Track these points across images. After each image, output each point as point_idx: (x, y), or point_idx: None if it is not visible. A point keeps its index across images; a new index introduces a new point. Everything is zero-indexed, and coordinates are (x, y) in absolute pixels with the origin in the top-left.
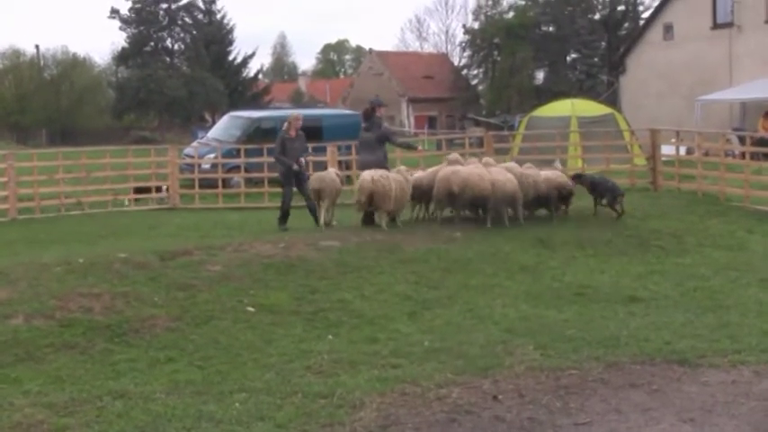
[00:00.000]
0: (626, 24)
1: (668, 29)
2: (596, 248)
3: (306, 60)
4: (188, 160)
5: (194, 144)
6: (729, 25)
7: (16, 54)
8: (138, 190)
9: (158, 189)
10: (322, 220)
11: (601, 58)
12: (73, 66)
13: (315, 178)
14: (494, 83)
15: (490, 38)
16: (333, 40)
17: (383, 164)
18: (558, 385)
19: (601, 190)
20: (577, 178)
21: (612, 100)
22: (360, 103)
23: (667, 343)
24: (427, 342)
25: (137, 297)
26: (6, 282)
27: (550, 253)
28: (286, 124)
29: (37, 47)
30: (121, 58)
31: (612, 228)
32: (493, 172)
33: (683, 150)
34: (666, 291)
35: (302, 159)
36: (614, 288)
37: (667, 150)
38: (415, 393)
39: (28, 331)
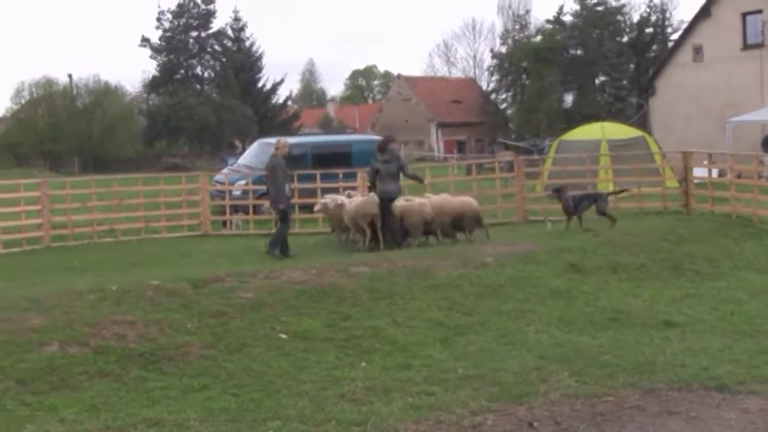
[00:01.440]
0: (654, 46)
1: (698, 50)
2: (629, 273)
3: (334, 86)
4: (219, 187)
5: (225, 171)
6: (760, 46)
7: (49, 83)
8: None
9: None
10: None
11: (630, 80)
12: (105, 94)
13: (369, 202)
14: (522, 107)
15: (518, 62)
16: (361, 66)
17: (400, 193)
18: (594, 412)
19: (588, 201)
20: (557, 192)
21: (642, 123)
22: (389, 128)
23: (705, 369)
24: (461, 369)
25: (170, 324)
26: (41, 309)
27: (583, 278)
28: (275, 150)
29: (70, 76)
30: (152, 85)
31: (645, 252)
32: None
33: (715, 172)
34: (702, 315)
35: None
36: (649, 313)
37: (699, 173)
38: (450, 421)
39: (63, 358)
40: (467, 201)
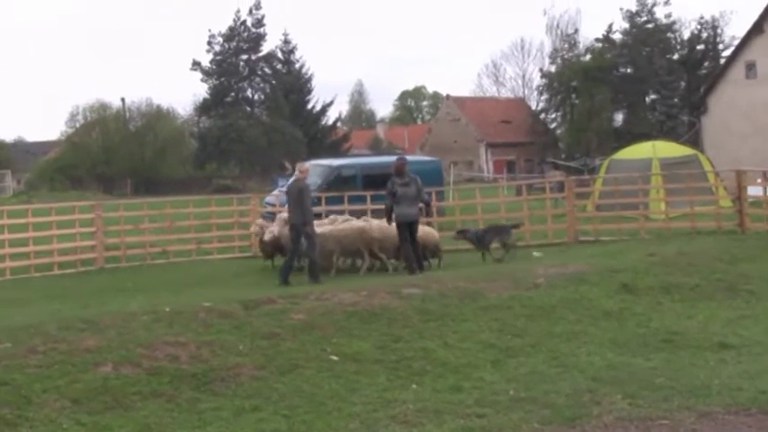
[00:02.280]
0: (706, 63)
1: (750, 67)
2: (683, 293)
3: (383, 107)
4: (269, 208)
5: (275, 192)
6: None
7: (103, 107)
8: None
9: None
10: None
11: (681, 98)
12: (157, 117)
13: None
14: (572, 126)
15: (567, 81)
16: (410, 87)
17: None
18: None
19: (491, 236)
20: (461, 234)
21: (694, 141)
22: (438, 148)
23: (762, 392)
24: (512, 391)
25: (222, 346)
26: (96, 330)
27: (635, 298)
28: (299, 174)
29: (122, 100)
30: (203, 108)
31: (699, 272)
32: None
33: None
34: (758, 337)
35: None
36: (703, 334)
37: (754, 191)
38: None
39: (116, 379)
40: (427, 231)
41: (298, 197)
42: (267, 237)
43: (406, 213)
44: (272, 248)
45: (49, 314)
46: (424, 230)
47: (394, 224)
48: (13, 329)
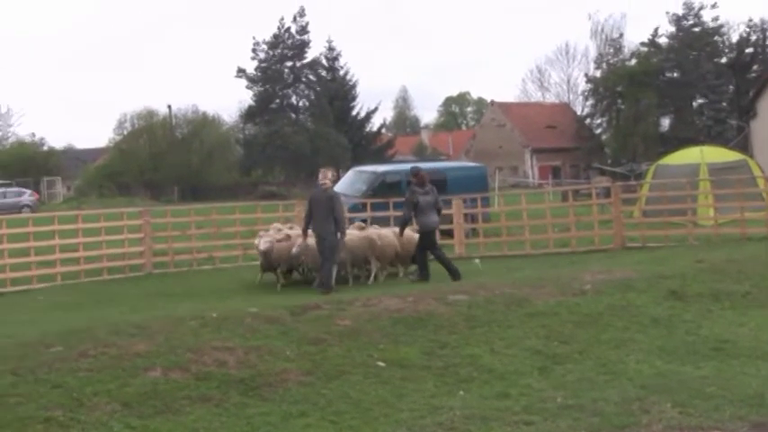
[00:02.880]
0: (755, 67)
1: None
2: (733, 301)
3: (428, 113)
4: None
5: None
6: None
7: (150, 114)
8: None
9: None
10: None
11: (729, 102)
12: (203, 124)
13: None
14: (618, 131)
15: (613, 86)
16: (454, 93)
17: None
18: None
19: None
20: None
21: (743, 146)
22: (483, 154)
23: None
24: (560, 398)
25: (269, 351)
26: (145, 335)
27: (684, 305)
28: (328, 181)
29: (169, 107)
30: (248, 115)
31: (750, 279)
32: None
33: None
34: None
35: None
36: (755, 342)
37: None
38: None
39: (166, 383)
40: (411, 236)
41: (328, 205)
42: (263, 246)
43: (431, 221)
44: (264, 259)
45: (99, 319)
46: (407, 236)
47: (390, 231)
48: (64, 333)
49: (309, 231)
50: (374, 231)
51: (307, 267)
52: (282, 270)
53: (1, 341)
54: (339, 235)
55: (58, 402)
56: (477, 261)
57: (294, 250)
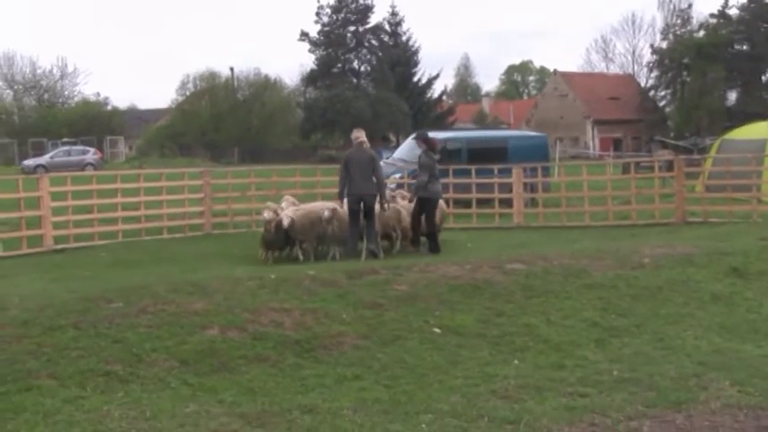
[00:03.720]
0: None
1: None
2: None
3: (489, 81)
4: None
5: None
6: None
7: (213, 76)
8: None
9: None
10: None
11: None
12: (264, 87)
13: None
14: (682, 104)
15: (679, 58)
16: (516, 61)
17: None
18: (758, 426)
19: None
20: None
21: None
22: (544, 124)
23: None
24: (616, 371)
25: (325, 314)
26: (203, 294)
27: (745, 283)
28: (365, 142)
29: (231, 69)
30: (310, 79)
31: None
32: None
33: None
34: None
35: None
36: None
37: None
38: (605, 425)
39: (223, 342)
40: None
41: (370, 166)
42: (286, 222)
43: (437, 190)
44: (278, 236)
45: (158, 276)
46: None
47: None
48: (125, 290)
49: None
50: (400, 203)
51: (334, 238)
52: (309, 245)
53: (63, 296)
54: (380, 200)
55: (118, 357)
56: (469, 245)
57: (326, 214)
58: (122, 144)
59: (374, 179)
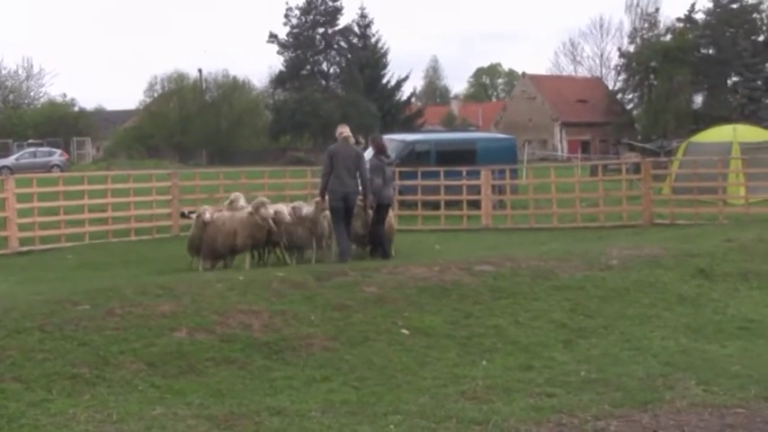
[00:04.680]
0: None
1: None
2: (761, 281)
3: (458, 84)
4: None
5: None
6: None
7: (181, 78)
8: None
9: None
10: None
11: (764, 81)
12: (233, 89)
13: None
14: (650, 107)
15: (646, 61)
16: (485, 64)
17: None
18: (723, 424)
19: None
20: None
21: None
22: (512, 126)
23: None
24: (583, 372)
25: (294, 316)
26: (171, 296)
27: (711, 284)
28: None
29: (200, 71)
30: (279, 81)
31: None
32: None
33: None
34: None
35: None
36: None
37: None
38: (572, 425)
39: (191, 344)
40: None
41: (356, 162)
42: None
43: (388, 195)
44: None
45: (126, 279)
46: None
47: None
48: (91, 292)
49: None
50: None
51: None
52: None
53: (29, 298)
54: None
55: (85, 360)
56: (437, 247)
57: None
58: (89, 145)
59: (359, 177)
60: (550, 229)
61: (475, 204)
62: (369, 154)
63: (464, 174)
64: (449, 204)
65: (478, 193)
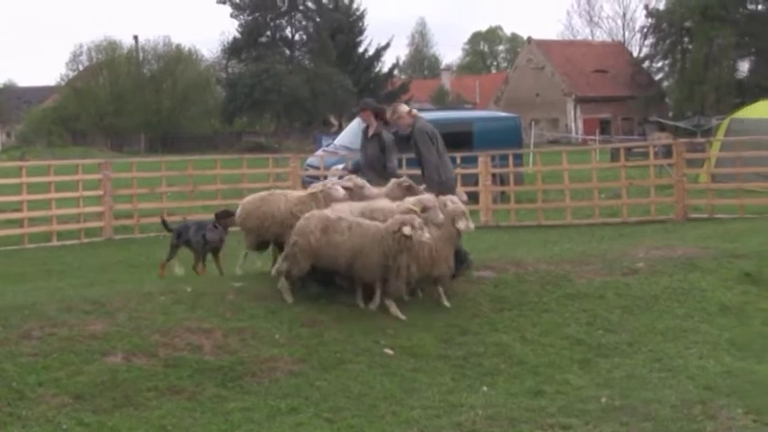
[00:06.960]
0: None
1: None
2: None
3: (450, 52)
4: (312, 172)
5: (319, 153)
6: None
7: (112, 47)
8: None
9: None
10: None
11: None
12: (176, 60)
13: None
14: (683, 77)
15: (680, 21)
16: (483, 28)
17: None
18: None
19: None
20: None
21: None
22: (516, 103)
23: None
24: (604, 398)
25: (254, 334)
26: (103, 313)
27: (759, 291)
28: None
29: (135, 38)
30: (233, 50)
31: None
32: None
33: None
34: None
35: None
36: None
37: None
38: None
39: (128, 372)
40: None
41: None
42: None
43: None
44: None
45: (46, 293)
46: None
47: None
48: (3, 310)
49: None
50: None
51: None
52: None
53: None
54: None
55: None
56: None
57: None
58: None
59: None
60: (563, 227)
61: (472, 197)
62: (354, 127)
63: (458, 161)
64: None
65: (476, 183)
